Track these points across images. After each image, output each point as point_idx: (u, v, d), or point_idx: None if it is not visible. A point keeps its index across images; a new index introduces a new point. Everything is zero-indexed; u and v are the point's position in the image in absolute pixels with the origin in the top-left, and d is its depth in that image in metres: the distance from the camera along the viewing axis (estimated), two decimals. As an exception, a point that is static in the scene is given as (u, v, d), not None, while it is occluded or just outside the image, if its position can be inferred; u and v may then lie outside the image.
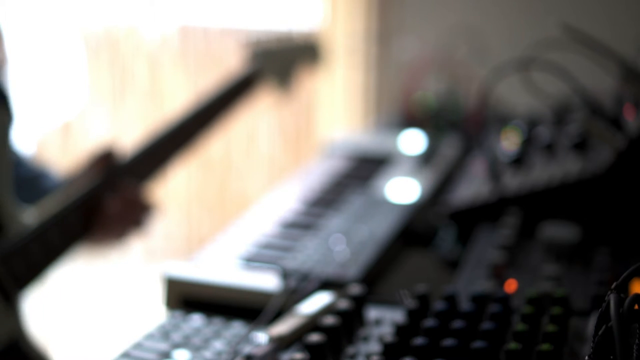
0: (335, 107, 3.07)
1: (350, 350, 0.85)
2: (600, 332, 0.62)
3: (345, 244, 1.15)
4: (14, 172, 1.44)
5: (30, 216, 1.44)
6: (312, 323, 0.90)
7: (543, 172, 1.23)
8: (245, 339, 0.89)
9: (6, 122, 1.40)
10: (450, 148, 1.64)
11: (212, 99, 1.72)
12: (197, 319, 0.95)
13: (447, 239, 1.25)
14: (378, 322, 0.91)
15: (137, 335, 0.91)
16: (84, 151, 1.62)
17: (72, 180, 1.55)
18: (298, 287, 1.02)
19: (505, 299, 0.88)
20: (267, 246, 1.18)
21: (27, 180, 1.61)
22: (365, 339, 0.87)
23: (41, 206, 1.47)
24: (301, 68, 1.98)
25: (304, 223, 1.27)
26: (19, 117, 1.48)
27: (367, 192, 1.38)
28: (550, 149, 1.29)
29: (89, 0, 3.47)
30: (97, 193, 1.46)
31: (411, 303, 0.89)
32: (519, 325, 0.81)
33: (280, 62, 1.91)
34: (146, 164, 1.58)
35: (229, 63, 3.33)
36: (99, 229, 1.46)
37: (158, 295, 1.09)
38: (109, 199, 1.46)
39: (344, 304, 0.89)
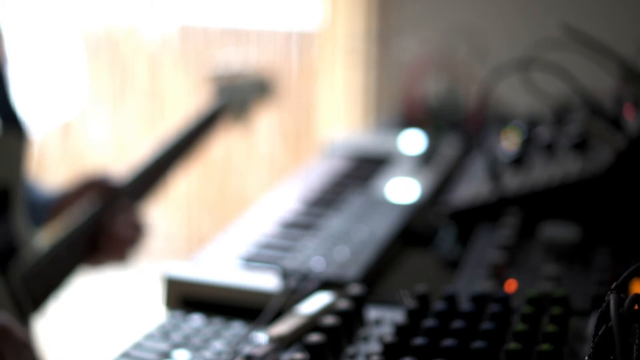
0: (335, 107, 3.07)
1: (350, 350, 0.85)
2: (600, 332, 0.62)
3: (346, 243, 1.15)
4: None
5: (39, 239, 1.51)
6: (312, 323, 0.90)
7: (543, 172, 1.23)
8: (245, 339, 0.89)
9: (21, 146, 1.45)
10: (450, 148, 1.64)
11: (185, 134, 1.80)
12: (197, 319, 0.95)
13: (447, 239, 1.25)
14: (378, 322, 0.91)
15: (137, 335, 0.91)
16: (81, 160, 1.68)
17: (66, 198, 1.62)
18: (298, 287, 1.02)
19: (505, 299, 0.88)
20: (267, 246, 1.18)
21: None
22: (365, 339, 0.87)
23: (49, 228, 1.53)
24: (254, 102, 2.06)
25: (304, 223, 1.27)
26: (33, 142, 1.55)
27: (367, 192, 1.38)
28: (550, 149, 1.29)
29: (89, 0, 3.47)
30: (101, 215, 1.55)
31: (411, 303, 0.89)
32: (519, 325, 0.81)
33: (239, 96, 2.00)
34: (140, 185, 1.67)
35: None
36: (102, 250, 1.55)
37: (158, 295, 1.09)
38: (111, 220, 1.55)
39: (344, 304, 0.89)
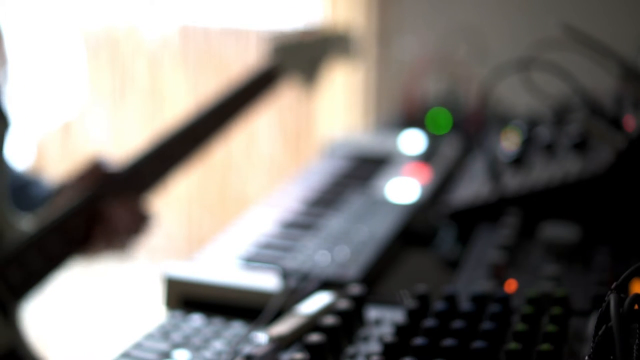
0: (335, 107, 3.07)
1: (350, 350, 0.85)
2: (600, 332, 0.62)
3: (346, 243, 1.15)
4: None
5: (27, 224, 1.42)
6: (312, 323, 0.90)
7: (543, 172, 1.23)
8: (245, 339, 0.89)
9: (2, 129, 1.38)
10: (450, 148, 1.64)
11: (225, 98, 1.64)
12: (197, 319, 0.95)
13: (447, 239, 1.25)
14: (378, 322, 0.91)
15: (137, 335, 0.91)
16: (81, 156, 1.59)
17: (65, 188, 1.51)
18: (298, 287, 1.02)
19: (505, 299, 0.88)
20: (267, 246, 1.18)
21: (17, 188, 1.58)
22: (365, 339, 0.87)
23: (39, 214, 1.45)
24: (330, 61, 1.89)
25: (304, 223, 1.27)
26: (15, 125, 1.45)
27: (367, 192, 1.38)
28: (550, 149, 1.29)
29: (89, 0, 3.47)
30: (95, 201, 1.43)
31: (411, 303, 0.89)
32: (519, 325, 0.81)
33: (304, 56, 1.83)
34: (148, 172, 1.52)
35: (229, 64, 3.34)
36: (98, 238, 1.44)
37: (158, 295, 1.09)
38: (108, 208, 1.43)
39: (344, 304, 0.89)
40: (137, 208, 1.48)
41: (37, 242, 1.35)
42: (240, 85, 1.68)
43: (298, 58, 1.82)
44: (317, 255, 1.11)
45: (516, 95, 1.54)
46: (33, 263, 1.34)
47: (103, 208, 1.43)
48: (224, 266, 1.11)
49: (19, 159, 1.77)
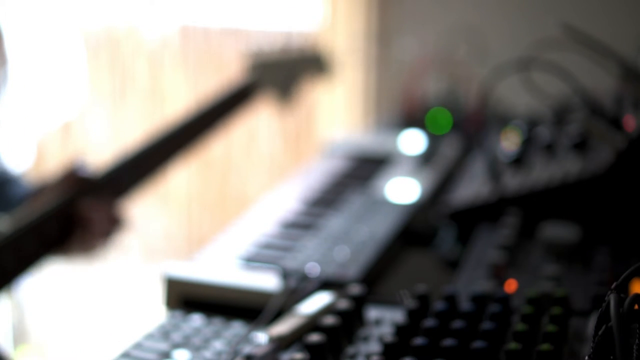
0: (335, 107, 3.07)
1: (350, 350, 0.85)
2: (600, 332, 0.62)
3: (345, 244, 1.15)
4: None
5: (3, 224, 1.45)
6: (312, 323, 0.90)
7: (543, 172, 1.23)
8: (245, 339, 0.89)
9: None
10: (450, 148, 1.64)
11: (204, 111, 1.71)
12: (197, 319, 0.95)
13: (447, 239, 1.25)
14: (378, 322, 0.91)
15: (137, 335, 0.91)
16: (61, 163, 1.61)
17: (43, 190, 1.55)
18: (298, 287, 1.02)
19: (505, 299, 0.88)
20: (267, 246, 1.18)
21: None
22: (365, 339, 0.87)
23: (15, 214, 1.47)
24: (305, 80, 1.95)
25: (304, 223, 1.27)
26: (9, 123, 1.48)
27: (367, 192, 1.38)
28: (550, 149, 1.29)
29: (89, 0, 3.47)
30: (72, 204, 1.47)
31: (411, 303, 0.89)
32: (519, 325, 0.81)
33: (281, 74, 1.89)
34: (123, 179, 1.58)
35: (229, 64, 3.34)
36: (74, 240, 1.48)
37: (158, 295, 1.09)
38: (84, 211, 1.47)
39: (344, 304, 0.89)
40: (111, 212, 1.53)
41: (12, 242, 1.37)
42: (216, 100, 1.74)
43: (274, 75, 1.88)
44: (317, 255, 1.11)
45: (516, 95, 1.54)
46: (7, 263, 1.37)
47: (79, 211, 1.47)
48: (224, 266, 1.11)
49: (19, 159, 1.78)
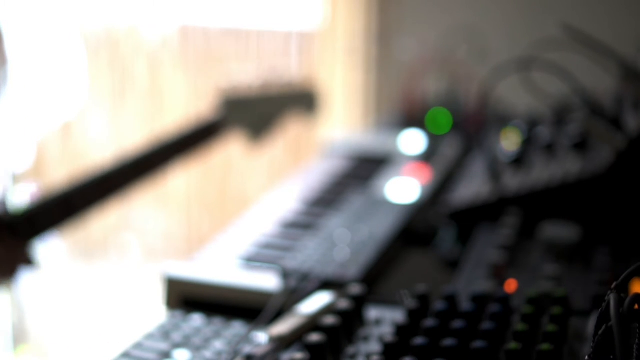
0: (335, 107, 3.07)
1: (350, 350, 0.85)
2: (600, 332, 0.62)
3: (346, 243, 1.15)
4: None
5: None
6: (312, 323, 0.90)
7: (543, 172, 1.23)
8: (245, 339, 0.89)
9: None
10: (450, 148, 1.64)
11: (159, 147, 1.68)
12: (197, 319, 0.95)
13: (447, 239, 1.25)
14: (378, 322, 0.91)
15: (137, 335, 0.91)
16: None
17: None
18: (298, 287, 1.02)
19: (505, 299, 0.88)
20: (267, 246, 1.18)
21: None
22: (365, 339, 0.87)
23: None
24: (287, 117, 1.91)
25: (304, 223, 1.27)
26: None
27: (367, 192, 1.38)
28: (550, 149, 1.29)
29: (89, 0, 3.47)
30: None
31: (411, 303, 0.89)
32: (519, 325, 0.81)
33: (253, 112, 1.85)
34: (40, 221, 1.54)
35: (228, 64, 3.34)
36: None
37: (158, 295, 1.09)
38: None
39: (344, 304, 0.89)
40: (19, 252, 1.52)
41: None
42: (179, 135, 1.72)
43: (245, 114, 1.84)
44: (317, 255, 1.11)
45: (516, 95, 1.54)
46: None
47: None
48: (224, 266, 1.11)
49: (19, 159, 1.78)
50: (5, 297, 2.74)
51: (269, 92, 1.89)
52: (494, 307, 0.86)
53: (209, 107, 1.87)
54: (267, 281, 1.04)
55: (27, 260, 1.54)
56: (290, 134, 3.39)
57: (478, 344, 0.78)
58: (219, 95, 1.85)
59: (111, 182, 1.61)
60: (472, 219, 1.22)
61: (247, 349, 0.87)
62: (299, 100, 1.92)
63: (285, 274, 1.05)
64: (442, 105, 1.96)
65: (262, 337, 0.89)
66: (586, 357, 0.64)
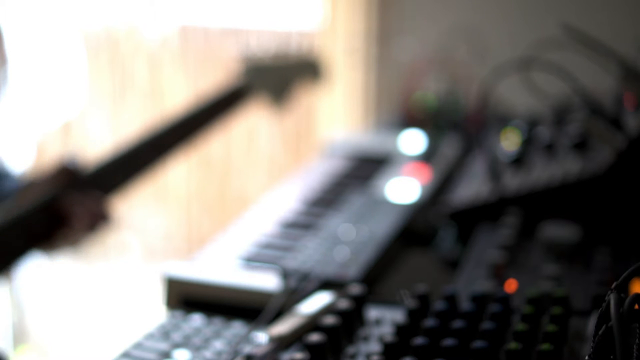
0: (335, 107, 3.07)
1: (350, 350, 0.85)
2: (600, 332, 0.62)
3: (346, 243, 1.15)
4: None
5: None
6: (312, 323, 0.90)
7: (543, 172, 1.23)
8: (245, 339, 0.89)
9: None
10: (450, 148, 1.64)
11: (192, 112, 1.73)
12: (197, 319, 0.95)
13: (447, 239, 1.25)
14: (378, 322, 0.91)
15: (137, 335, 0.91)
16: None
17: (32, 185, 1.57)
18: (298, 287, 1.02)
19: (505, 299, 0.88)
20: (267, 246, 1.18)
21: None
22: (365, 339, 0.87)
23: (1, 209, 1.49)
24: (299, 85, 1.96)
25: (304, 223, 1.27)
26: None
27: (367, 192, 1.38)
28: (550, 149, 1.29)
29: (89, 0, 3.47)
30: (59, 200, 1.49)
31: (411, 303, 0.89)
32: (519, 325, 0.81)
33: (274, 78, 1.91)
34: (112, 176, 1.59)
35: (228, 64, 3.34)
36: (56, 235, 1.49)
37: (158, 295, 1.09)
38: (69, 206, 1.49)
39: (344, 304, 0.89)
40: (96, 208, 1.54)
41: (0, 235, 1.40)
42: (208, 101, 1.76)
43: (267, 79, 1.89)
44: (317, 255, 1.11)
45: (516, 95, 1.54)
46: None
47: (64, 206, 1.49)
48: (224, 266, 1.11)
49: (19, 159, 1.78)
50: (5, 297, 2.74)
51: (283, 60, 1.95)
52: (494, 307, 0.86)
53: (231, 75, 1.91)
54: (267, 281, 1.04)
55: (104, 216, 1.55)
56: (291, 134, 3.39)
57: (478, 344, 0.78)
58: (241, 62, 1.89)
59: (161, 143, 1.67)
60: (472, 219, 1.22)
61: (247, 349, 0.87)
62: (307, 68, 1.98)
63: (285, 274, 1.05)
64: (442, 105, 1.96)
65: (262, 337, 0.89)
66: (586, 357, 0.64)
